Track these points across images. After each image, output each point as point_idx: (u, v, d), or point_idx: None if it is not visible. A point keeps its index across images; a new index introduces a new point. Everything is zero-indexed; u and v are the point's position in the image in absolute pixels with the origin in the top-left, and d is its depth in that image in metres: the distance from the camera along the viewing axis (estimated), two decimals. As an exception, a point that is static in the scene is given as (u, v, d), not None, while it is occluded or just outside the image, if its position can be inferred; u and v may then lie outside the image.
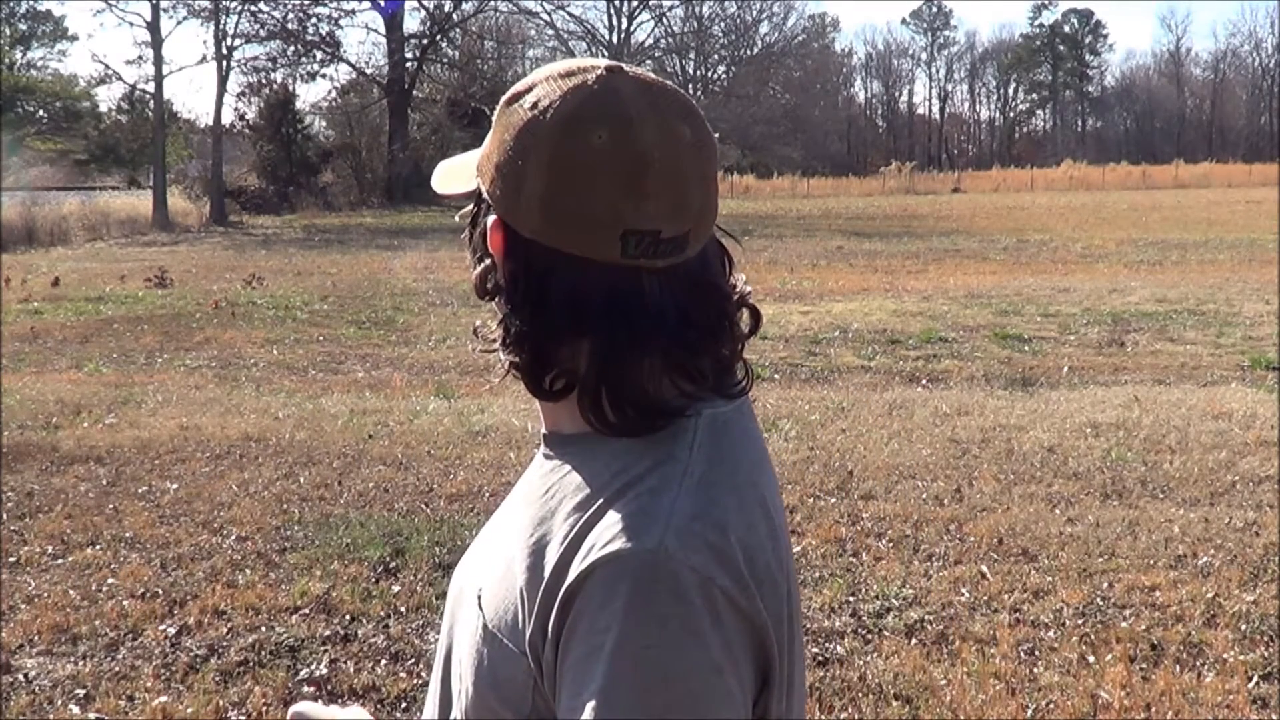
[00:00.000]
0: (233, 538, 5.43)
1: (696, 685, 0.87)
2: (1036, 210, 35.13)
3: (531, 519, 1.00)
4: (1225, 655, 4.03)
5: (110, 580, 4.89)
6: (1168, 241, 22.97)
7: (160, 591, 4.74)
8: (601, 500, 0.95)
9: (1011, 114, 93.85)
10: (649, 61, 57.35)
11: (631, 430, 0.98)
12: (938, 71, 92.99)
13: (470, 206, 1.07)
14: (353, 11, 61.01)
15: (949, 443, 7.03)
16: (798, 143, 66.49)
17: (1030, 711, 3.70)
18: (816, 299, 14.89)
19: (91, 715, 3.74)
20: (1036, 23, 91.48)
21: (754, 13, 66.26)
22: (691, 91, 36.99)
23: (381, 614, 4.49)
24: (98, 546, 5.32)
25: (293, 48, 44.36)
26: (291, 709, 1.17)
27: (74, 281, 18.43)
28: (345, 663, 4.08)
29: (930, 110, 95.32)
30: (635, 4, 58.02)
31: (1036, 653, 4.11)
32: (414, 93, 47.39)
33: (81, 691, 3.88)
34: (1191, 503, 5.79)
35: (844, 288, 16.29)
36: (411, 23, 49.29)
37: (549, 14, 53.68)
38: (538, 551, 0.96)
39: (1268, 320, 12.14)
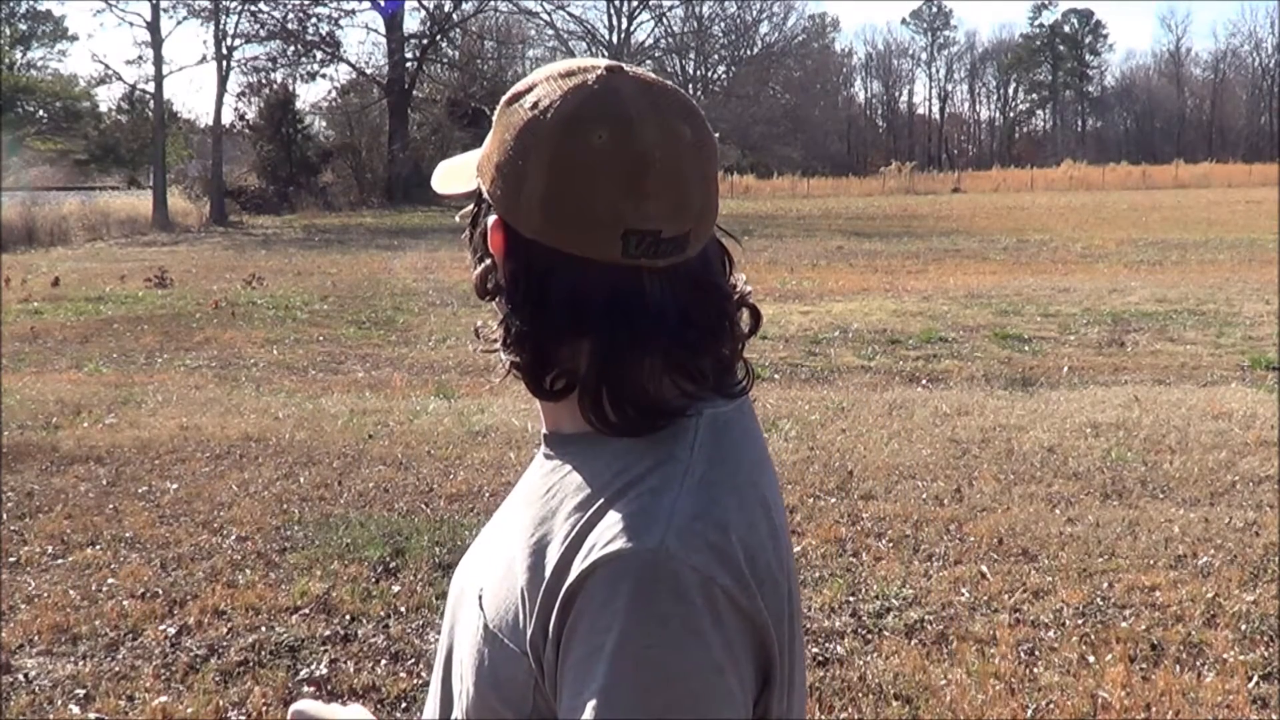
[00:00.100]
0: (233, 538, 5.43)
1: (698, 685, 0.87)
2: (1036, 210, 35.14)
3: (532, 519, 1.00)
4: (1225, 655, 4.03)
5: (110, 580, 4.89)
6: (1168, 241, 22.98)
7: (160, 591, 4.74)
8: (602, 500, 0.95)
9: (1011, 114, 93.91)
10: (649, 61, 57.35)
11: (632, 430, 0.98)
12: (938, 71, 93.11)
13: (470, 206, 1.07)
14: (353, 11, 61.11)
15: (949, 443, 7.03)
16: (798, 143, 66.51)
17: (1030, 711, 3.70)
18: (816, 299, 14.89)
19: (91, 715, 3.74)
20: (1036, 23, 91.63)
21: (754, 13, 66.36)
22: (691, 91, 36.96)
23: (381, 614, 4.49)
24: (98, 546, 5.32)
25: (293, 48, 44.39)
26: (292, 707, 1.17)
27: (74, 281, 18.43)
28: (345, 663, 4.08)
29: (930, 110, 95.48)
30: (635, 4, 58.06)
31: (1036, 653, 4.11)
32: (414, 93, 47.40)
33: (81, 691, 3.88)
34: (1191, 503, 5.79)
35: (844, 288, 16.29)
36: (411, 23, 49.38)
37: (549, 14, 53.77)
38: (539, 551, 0.96)
39: (1268, 320, 12.14)
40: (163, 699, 3.80)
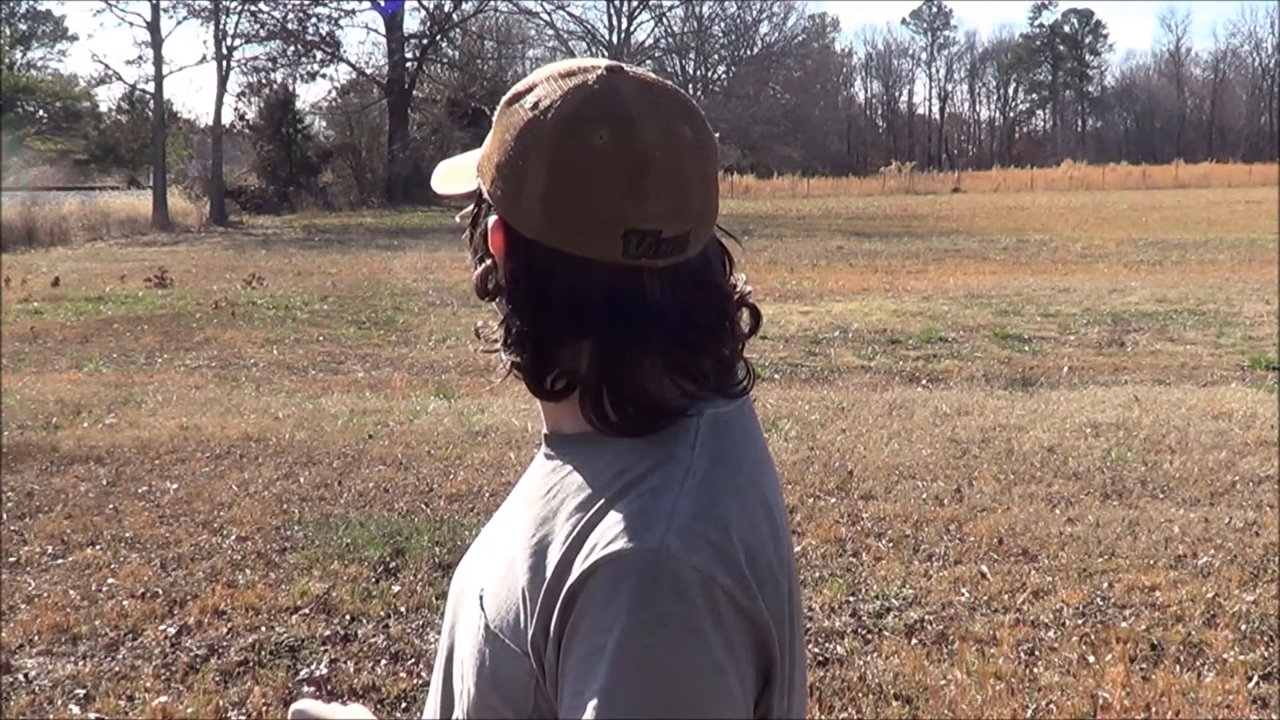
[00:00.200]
0: (233, 538, 5.43)
1: (698, 685, 0.87)
2: (1036, 210, 35.14)
3: (533, 519, 1.00)
4: (1225, 655, 4.03)
5: (110, 580, 4.89)
6: (1168, 241, 22.98)
7: (160, 591, 4.74)
8: (603, 500, 0.95)
9: (1011, 114, 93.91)
10: (649, 61, 57.35)
11: (633, 430, 0.98)
12: (938, 71, 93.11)
13: (471, 207, 1.07)
14: (353, 11, 61.06)
15: (949, 443, 7.03)
16: (798, 143, 66.52)
17: (1030, 711, 3.70)
18: (816, 299, 14.89)
19: (91, 715, 3.74)
20: (1036, 23, 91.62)
21: (754, 13, 66.35)
22: (691, 91, 36.96)
23: (381, 614, 4.49)
24: (98, 546, 5.32)
25: (293, 48, 44.38)
26: (293, 707, 1.17)
27: (74, 281, 18.43)
28: (345, 663, 4.08)
29: (930, 110, 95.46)
30: (635, 4, 58.06)
31: (1036, 653, 4.11)
32: (414, 93, 47.39)
33: (81, 691, 3.88)
34: (1191, 503, 5.79)
35: (844, 288, 16.29)
36: (411, 23, 49.36)
37: (549, 14, 53.77)
38: (539, 551, 0.96)
39: (1268, 320, 12.14)
40: (163, 699, 3.80)
